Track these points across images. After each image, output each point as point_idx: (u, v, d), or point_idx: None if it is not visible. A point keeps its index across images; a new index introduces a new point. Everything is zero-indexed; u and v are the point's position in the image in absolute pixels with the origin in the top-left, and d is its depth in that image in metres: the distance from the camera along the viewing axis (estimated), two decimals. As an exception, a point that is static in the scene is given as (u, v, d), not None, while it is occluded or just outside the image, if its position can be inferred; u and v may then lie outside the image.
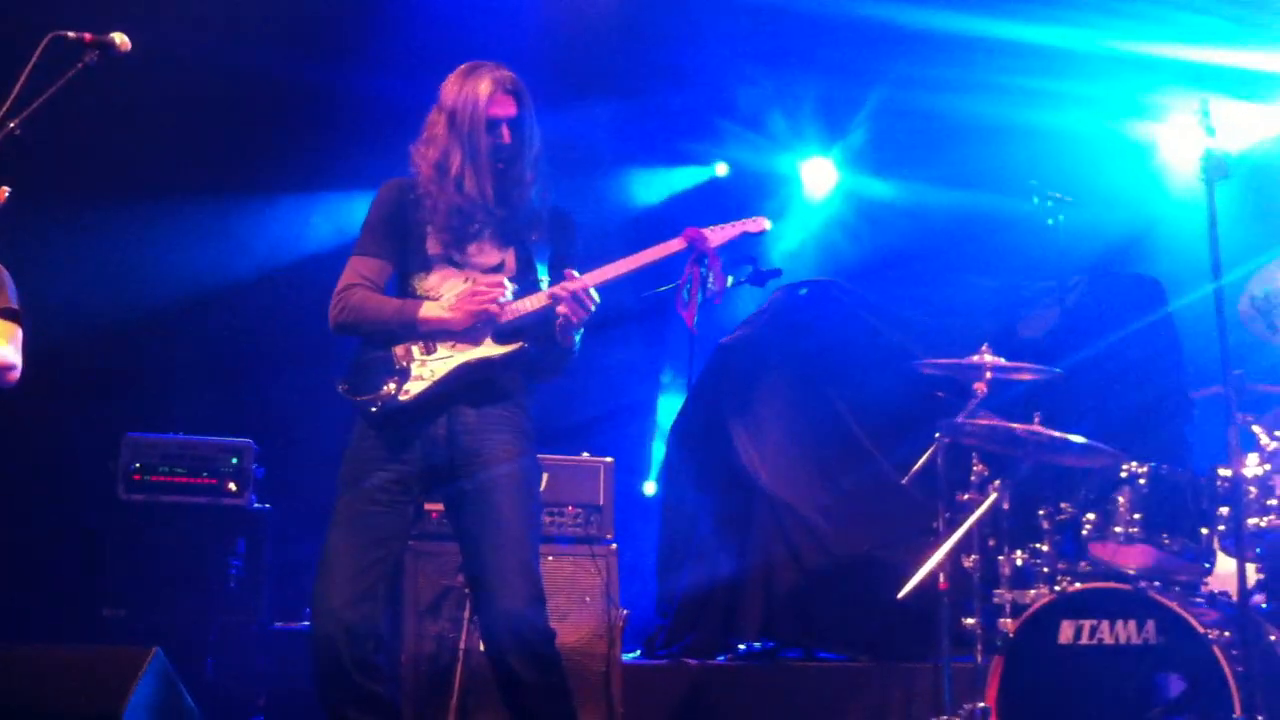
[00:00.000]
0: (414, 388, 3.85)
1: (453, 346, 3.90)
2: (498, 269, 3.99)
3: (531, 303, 3.93)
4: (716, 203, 8.13)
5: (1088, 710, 4.70)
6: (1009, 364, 5.40)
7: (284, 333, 6.97)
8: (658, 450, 7.75)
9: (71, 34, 3.86)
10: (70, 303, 6.69)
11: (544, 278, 4.03)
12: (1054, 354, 6.04)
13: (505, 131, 3.95)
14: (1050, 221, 6.10)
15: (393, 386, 3.85)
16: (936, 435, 5.48)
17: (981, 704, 4.87)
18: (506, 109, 3.95)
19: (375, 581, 3.81)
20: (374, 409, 3.86)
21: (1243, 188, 6.91)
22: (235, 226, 7.24)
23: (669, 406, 7.84)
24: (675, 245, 3.97)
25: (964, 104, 7.80)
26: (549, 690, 3.80)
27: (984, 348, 5.42)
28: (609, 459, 5.76)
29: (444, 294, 3.96)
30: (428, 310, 3.91)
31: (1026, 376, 5.36)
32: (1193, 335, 6.44)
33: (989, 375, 5.41)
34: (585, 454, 5.79)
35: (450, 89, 3.99)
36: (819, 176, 8.35)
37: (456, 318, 3.89)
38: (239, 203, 7.23)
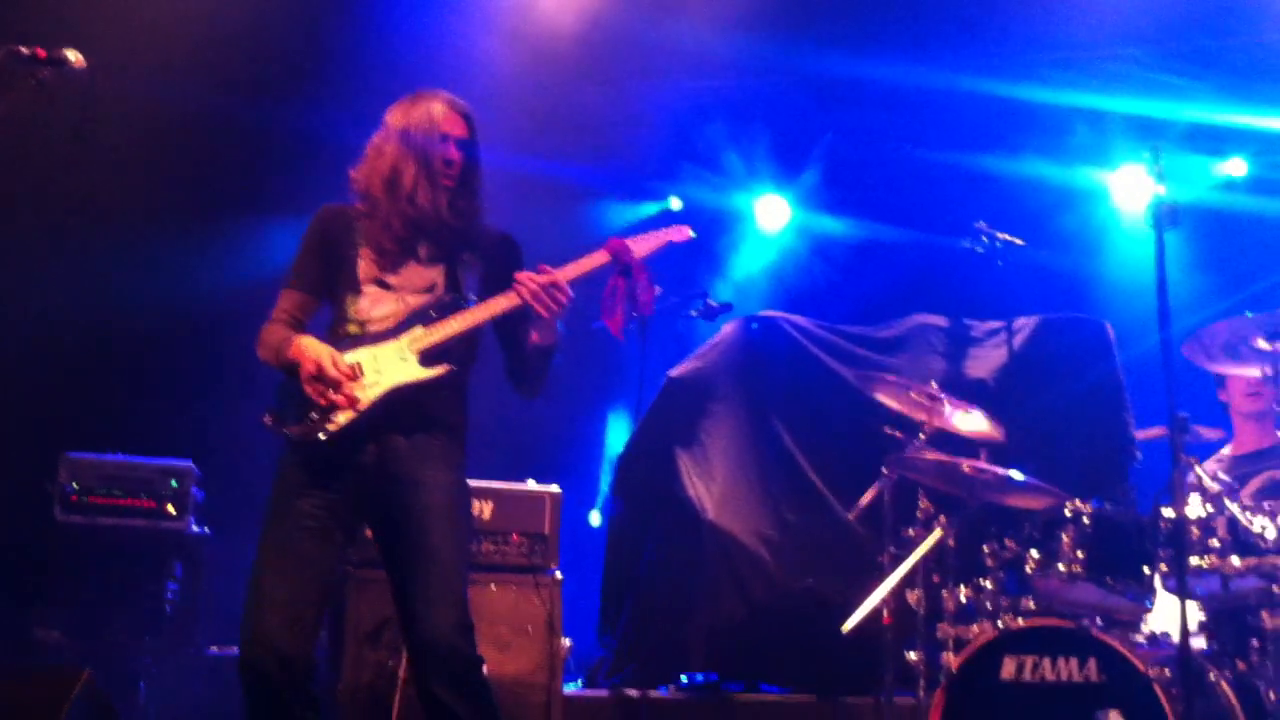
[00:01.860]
0: (341, 418, 3.76)
1: (378, 372, 3.80)
2: (429, 289, 3.94)
3: (450, 328, 3.85)
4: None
5: (1029, 747, 4.69)
6: (954, 401, 5.43)
7: (226, 356, 6.89)
8: (604, 480, 7.72)
9: (25, 49, 3.82)
10: (10, 319, 6.61)
11: (473, 298, 3.95)
12: (1001, 395, 6.09)
13: (454, 150, 3.96)
14: (1000, 263, 6.15)
15: (318, 415, 3.76)
16: (883, 471, 5.50)
17: (923, 740, 4.85)
18: (459, 129, 3.98)
19: (306, 608, 3.72)
20: (302, 440, 3.77)
21: (1192, 237, 7.04)
22: (180, 250, 7.18)
23: (616, 436, 7.82)
24: (599, 258, 3.92)
25: (917, 146, 7.91)
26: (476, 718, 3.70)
27: (931, 385, 5.46)
28: (555, 488, 5.71)
29: (374, 316, 3.89)
30: (294, 350, 3.81)
31: (974, 430, 5.38)
32: (1138, 377, 6.51)
33: (936, 414, 5.44)
34: (531, 482, 5.74)
35: (399, 112, 4.00)
36: (772, 212, 8.41)
37: (306, 366, 3.76)
38: (183, 227, 7.19)
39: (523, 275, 3.83)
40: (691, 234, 4.06)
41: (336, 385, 3.74)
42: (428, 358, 3.84)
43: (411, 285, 3.94)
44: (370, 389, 3.79)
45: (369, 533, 3.95)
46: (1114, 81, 7.67)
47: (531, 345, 3.94)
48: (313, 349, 3.79)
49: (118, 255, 7.04)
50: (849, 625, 5.10)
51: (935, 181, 7.89)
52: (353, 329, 3.89)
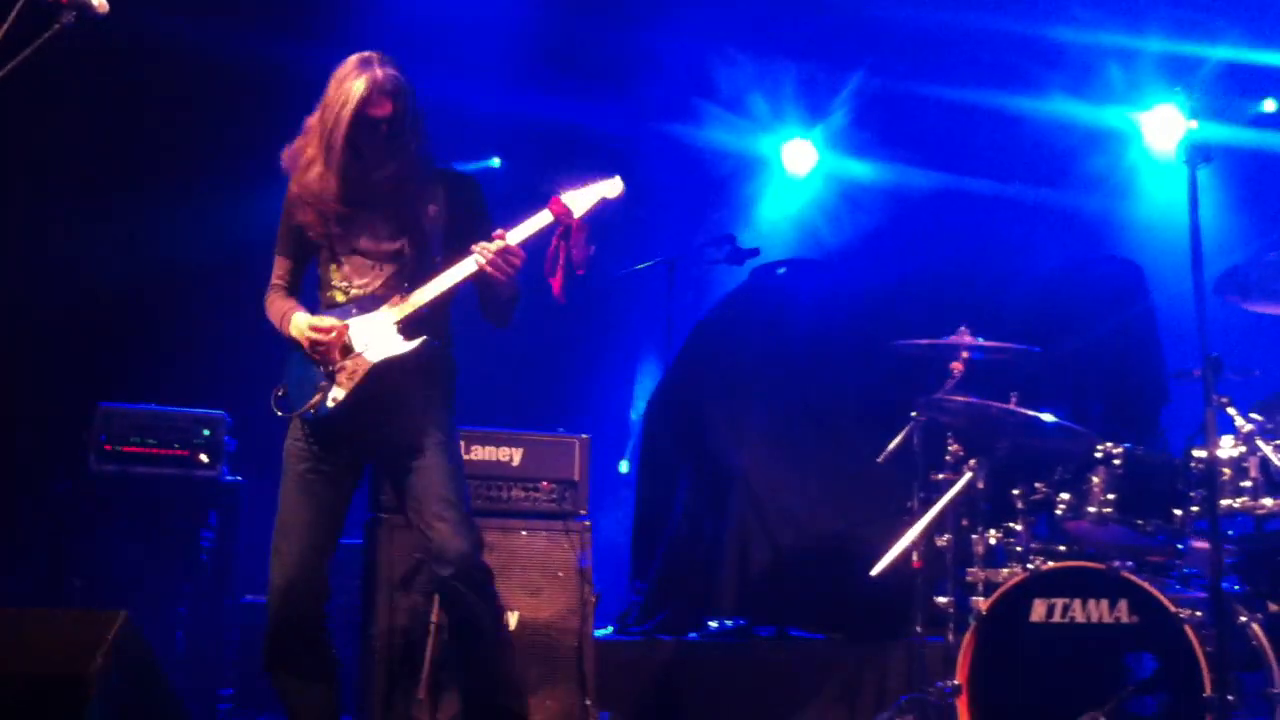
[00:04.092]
0: (339, 394, 4.10)
1: (365, 345, 4.11)
2: (398, 255, 4.16)
3: (424, 297, 4.10)
4: (697, 180, 8.11)
5: (1059, 688, 4.69)
6: (986, 343, 5.40)
7: (256, 305, 6.91)
8: (633, 426, 7.73)
9: (47, -6, 3.79)
10: (43, 272, 6.64)
11: (438, 258, 4.17)
12: (1032, 335, 6.03)
13: (383, 128, 4.06)
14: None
15: (319, 397, 4.11)
16: (913, 414, 5.48)
17: (954, 681, 4.86)
18: (382, 109, 4.05)
19: (325, 540, 4.17)
20: (309, 412, 4.13)
21: (1225, 177, 6.94)
22: (210, 201, 7.18)
23: (645, 382, 7.82)
24: (543, 219, 4.07)
25: (945, 88, 7.82)
26: (493, 623, 4.20)
27: (961, 328, 5.42)
28: (584, 435, 5.72)
29: (354, 284, 4.18)
30: (292, 328, 4.20)
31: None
32: (1171, 318, 6.45)
33: (965, 355, 5.42)
34: (561, 430, 5.75)
35: (330, 89, 4.10)
36: (799, 157, 8.33)
37: (303, 344, 4.14)
38: (213, 177, 7.18)
39: (478, 246, 4.04)
40: (622, 186, 4.10)
41: (329, 348, 4.09)
42: (407, 328, 4.11)
43: (384, 252, 4.18)
44: (360, 362, 4.09)
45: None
46: (1145, 18, 7.56)
47: (495, 295, 4.21)
48: (299, 328, 4.15)
49: (148, 207, 7.06)
50: (878, 569, 5.11)
51: (964, 123, 7.80)
52: (339, 297, 4.21)
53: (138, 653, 3.78)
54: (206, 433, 6.15)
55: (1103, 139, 7.86)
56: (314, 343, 4.08)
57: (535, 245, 4.10)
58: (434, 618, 5.17)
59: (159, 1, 6.60)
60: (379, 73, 4.04)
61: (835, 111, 8.19)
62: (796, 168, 8.35)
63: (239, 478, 6.26)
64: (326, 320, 4.11)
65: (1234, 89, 7.52)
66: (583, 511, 5.65)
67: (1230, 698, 4.31)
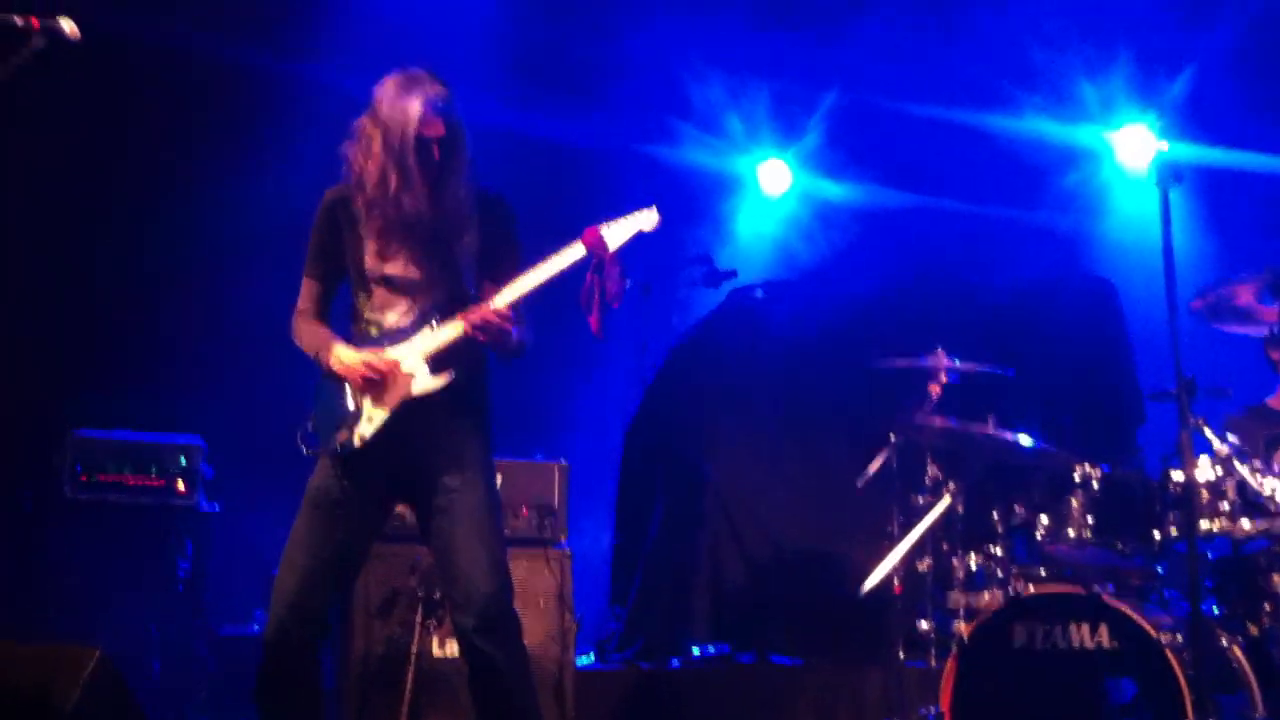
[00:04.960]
0: (366, 430, 3.99)
1: (395, 379, 3.99)
2: (430, 286, 4.05)
3: (450, 333, 3.99)
4: (672, 199, 8.09)
5: (1041, 714, 4.72)
6: (963, 365, 5.42)
7: (232, 330, 6.89)
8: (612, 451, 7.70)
9: (18, 19, 3.76)
10: (13, 297, 6.58)
11: (472, 290, 4.08)
12: (1007, 355, 6.04)
13: (435, 150, 3.99)
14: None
15: (347, 433, 4.00)
16: (890, 436, 5.49)
17: (935, 707, 4.87)
18: (436, 130, 3.98)
19: (329, 576, 4.03)
20: (335, 448, 4.01)
21: (1198, 195, 6.98)
22: (185, 221, 7.14)
23: (622, 405, 7.80)
24: (577, 252, 3.94)
25: (918, 106, 7.85)
26: (515, 672, 4.00)
27: (938, 349, 5.44)
28: (563, 461, 5.71)
29: (387, 318, 4.07)
30: (334, 361, 4.04)
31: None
32: (1145, 334, 6.48)
33: (943, 377, 5.43)
34: (539, 455, 5.73)
35: (383, 101, 4.01)
36: (775, 177, 8.33)
37: (352, 380, 4.02)
38: (185, 192, 7.13)
39: (466, 314, 3.93)
40: (658, 219, 4.02)
41: (384, 384, 3.97)
42: (436, 364, 3.99)
43: (415, 282, 4.07)
44: (390, 396, 3.98)
45: (400, 508, 4.28)
46: (1117, 38, 7.60)
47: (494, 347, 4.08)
48: (345, 360, 4.00)
49: (121, 228, 7.01)
50: (867, 587, 5.11)
51: (937, 141, 7.83)
52: (371, 330, 4.09)
53: (113, 689, 3.75)
54: (182, 460, 6.11)
55: (1075, 157, 7.89)
56: (366, 378, 3.96)
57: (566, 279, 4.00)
58: (414, 647, 5.16)
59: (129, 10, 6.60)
60: (431, 90, 3.98)
61: (809, 131, 8.19)
62: (772, 188, 8.35)
63: (215, 505, 6.22)
64: (390, 354, 3.98)
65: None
66: (562, 538, 5.64)
67: (1210, 721, 4.32)
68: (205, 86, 7.10)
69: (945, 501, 5.27)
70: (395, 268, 4.06)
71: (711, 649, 6.23)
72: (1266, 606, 4.86)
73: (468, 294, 4.03)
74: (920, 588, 5.31)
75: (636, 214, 3.99)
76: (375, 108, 4.02)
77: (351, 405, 4.01)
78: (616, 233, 3.94)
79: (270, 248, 6.53)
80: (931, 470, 5.40)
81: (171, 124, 7.08)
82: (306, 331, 4.17)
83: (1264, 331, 5.31)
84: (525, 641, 4.96)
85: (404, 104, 3.95)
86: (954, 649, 4.90)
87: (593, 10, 7.81)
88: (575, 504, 5.84)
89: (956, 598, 5.15)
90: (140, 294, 7.00)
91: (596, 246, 3.90)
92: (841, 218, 8.00)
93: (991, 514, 5.24)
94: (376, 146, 3.97)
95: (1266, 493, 4.82)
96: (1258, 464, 4.89)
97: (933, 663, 5.12)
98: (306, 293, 4.22)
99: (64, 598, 5.81)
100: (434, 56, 6.90)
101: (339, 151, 4.11)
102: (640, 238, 3.98)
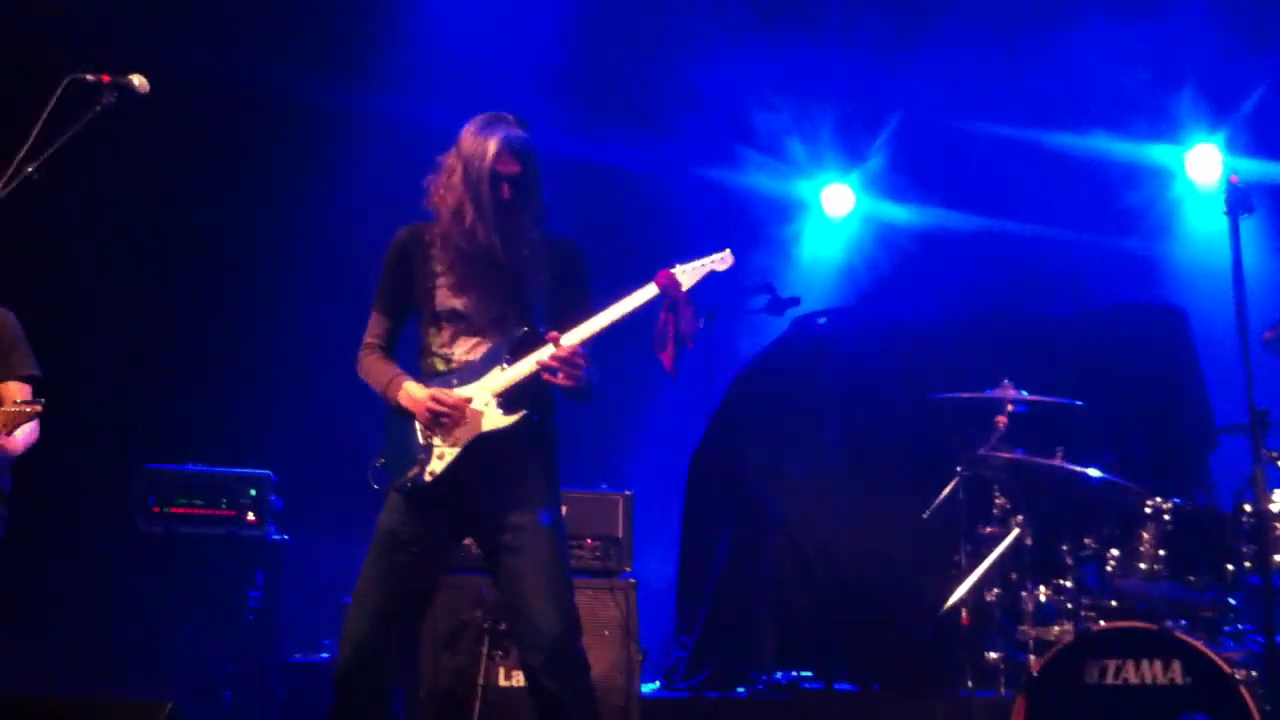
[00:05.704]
0: (436, 467, 4.00)
1: (465, 417, 4.01)
2: (501, 322, 4.08)
3: (522, 371, 4.01)
4: (736, 224, 8.10)
5: (1113, 750, 4.65)
6: (1030, 397, 5.37)
7: (301, 363, 6.98)
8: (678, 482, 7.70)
9: (90, 76, 3.85)
10: (87, 330, 6.71)
11: (542, 327, 4.06)
12: (1077, 386, 5.98)
13: (506, 188, 4.03)
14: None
15: (417, 469, 4.01)
16: (958, 469, 5.45)
17: (1005, 742, 4.82)
18: (510, 167, 4.03)
19: (399, 612, 4.02)
20: (405, 485, 4.03)
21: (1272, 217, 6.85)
22: (255, 256, 7.24)
23: (687, 434, 7.80)
24: (650, 292, 3.98)
25: (982, 125, 7.79)
26: (582, 708, 3.99)
27: (1005, 381, 5.39)
28: (628, 492, 5.72)
29: (456, 353, 4.09)
30: (403, 397, 4.06)
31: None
32: (1216, 360, 6.38)
33: (1010, 408, 5.38)
34: (604, 486, 5.75)
35: (466, 138, 4.08)
36: (837, 201, 8.31)
37: (420, 416, 4.02)
38: (255, 224, 7.24)
39: (544, 356, 3.94)
40: (732, 260, 4.04)
41: (452, 422, 3.97)
42: (507, 402, 4.00)
43: (486, 319, 4.09)
44: (462, 433, 3.99)
45: (471, 545, 4.21)
46: (1182, 54, 7.52)
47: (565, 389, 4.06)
48: (415, 397, 4.01)
49: (193, 261, 7.13)
50: (949, 605, 5.08)
51: (1002, 162, 7.76)
52: (439, 365, 4.10)
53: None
54: (253, 492, 6.21)
55: (1144, 174, 7.80)
56: (436, 415, 3.97)
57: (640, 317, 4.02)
58: (480, 679, 5.19)
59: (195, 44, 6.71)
60: (511, 132, 4.05)
61: (873, 154, 8.16)
62: (835, 211, 8.32)
63: (286, 536, 6.30)
64: (460, 391, 4.00)
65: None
66: (627, 568, 5.65)
67: (1287, 758, 4.25)
68: (275, 120, 7.22)
69: (1014, 533, 5.22)
70: (466, 303, 4.08)
71: (779, 676, 6.21)
72: (1343, 641, 4.75)
73: (538, 333, 4.05)
74: (989, 619, 5.26)
75: (711, 256, 4.03)
76: (459, 143, 4.09)
77: (422, 441, 4.02)
78: (691, 274, 3.98)
79: (342, 281, 6.63)
80: (999, 501, 5.36)
81: (245, 159, 7.21)
82: (374, 366, 4.18)
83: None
84: (591, 672, 5.06)
85: (484, 139, 4.02)
86: (1024, 683, 4.84)
87: (656, 38, 7.85)
88: (640, 533, 5.86)
89: (1026, 630, 5.10)
90: (212, 327, 7.12)
91: (670, 288, 3.94)
92: (905, 241, 7.95)
93: (1061, 547, 5.19)
94: (455, 179, 4.03)
95: (1342, 525, 4.72)
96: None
97: (1001, 693, 5.07)
98: (375, 327, 4.23)
99: (137, 629, 5.90)
100: (500, 87, 7.05)
101: (412, 182, 4.16)
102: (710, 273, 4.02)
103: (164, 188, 6.99)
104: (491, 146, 4.00)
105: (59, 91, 3.81)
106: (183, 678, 5.82)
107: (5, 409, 4.41)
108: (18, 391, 4.69)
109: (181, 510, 6.13)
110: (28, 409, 4.39)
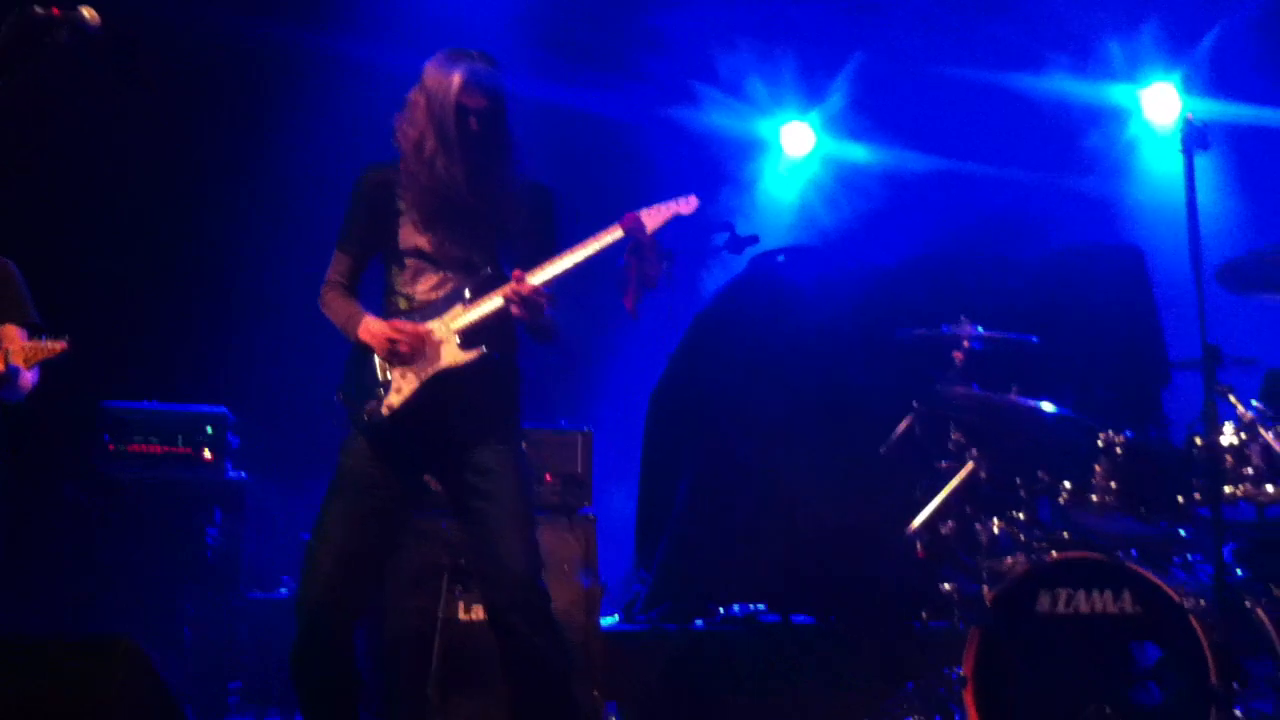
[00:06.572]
0: (394, 400, 4.00)
1: (424, 354, 4.01)
2: (466, 263, 4.07)
3: (484, 308, 4.00)
4: (696, 166, 8.08)
5: (1065, 679, 4.70)
6: (986, 332, 5.40)
7: (258, 300, 6.93)
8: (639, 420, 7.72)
9: (39, 9, 3.77)
10: (42, 271, 6.63)
11: (505, 269, 4.06)
12: (1033, 322, 6.02)
13: (473, 121, 3.99)
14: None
15: (375, 403, 4.01)
16: (914, 405, 5.49)
17: (958, 669, 4.88)
18: (477, 100, 4.00)
19: (365, 553, 4.01)
20: (364, 419, 4.02)
21: (1226, 157, 6.90)
22: (212, 195, 7.18)
23: (646, 372, 7.81)
24: (614, 234, 3.98)
25: (942, 67, 7.79)
26: (550, 646, 3.99)
27: (961, 317, 5.42)
28: (587, 429, 5.74)
29: (418, 291, 4.09)
30: (362, 331, 4.06)
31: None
32: (1172, 297, 6.44)
33: (966, 344, 5.42)
34: (563, 423, 5.76)
35: (430, 72, 4.05)
36: (797, 140, 8.30)
37: (379, 348, 4.02)
38: (213, 166, 7.18)
39: (507, 289, 3.93)
40: (697, 204, 4.05)
41: (409, 349, 3.97)
42: (467, 339, 4.00)
43: (449, 257, 4.08)
44: (419, 371, 3.99)
45: (432, 483, 4.21)
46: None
47: (529, 325, 4.09)
48: (373, 331, 4.01)
49: (147, 201, 7.05)
50: (915, 524, 5.13)
51: (962, 104, 7.77)
52: (402, 304, 4.10)
53: (144, 675, 3.77)
54: (209, 430, 6.18)
55: (1101, 115, 7.83)
56: (394, 344, 3.97)
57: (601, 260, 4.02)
58: (440, 613, 5.20)
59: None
60: (477, 65, 4.02)
61: (833, 93, 8.15)
62: (795, 150, 8.32)
63: (243, 474, 6.28)
64: (409, 323, 4.00)
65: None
66: (587, 504, 5.67)
67: (1235, 686, 4.33)
68: (237, 65, 7.16)
69: (969, 467, 5.27)
70: (429, 241, 4.07)
71: (736, 609, 6.26)
72: (1291, 570, 4.85)
73: (502, 273, 4.04)
74: (944, 551, 5.31)
75: (676, 200, 4.03)
76: (423, 78, 4.06)
77: (381, 376, 4.01)
78: (655, 217, 3.97)
79: (299, 221, 6.59)
80: (955, 437, 5.40)
81: (199, 101, 7.13)
82: (335, 302, 4.18)
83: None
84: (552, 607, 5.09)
85: (448, 73, 4.00)
86: (978, 614, 4.90)
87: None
88: (601, 471, 5.89)
89: (980, 562, 5.15)
90: (168, 262, 7.05)
91: (635, 230, 3.94)
92: (865, 182, 7.96)
93: (1015, 480, 5.23)
94: (419, 113, 4.01)
95: (1292, 458, 4.78)
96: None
97: (956, 624, 5.14)
98: (338, 265, 4.22)
99: (96, 566, 5.89)
100: (466, 32, 7.00)
101: (379, 126, 4.13)
102: (657, 201, 4.02)
103: (124, 125, 6.89)
104: (456, 79, 3.98)
105: (7, 26, 3.74)
106: (142, 616, 5.81)
107: (31, 343, 4.37)
108: (17, 335, 4.66)
109: (138, 448, 6.10)
110: (54, 345, 4.35)
